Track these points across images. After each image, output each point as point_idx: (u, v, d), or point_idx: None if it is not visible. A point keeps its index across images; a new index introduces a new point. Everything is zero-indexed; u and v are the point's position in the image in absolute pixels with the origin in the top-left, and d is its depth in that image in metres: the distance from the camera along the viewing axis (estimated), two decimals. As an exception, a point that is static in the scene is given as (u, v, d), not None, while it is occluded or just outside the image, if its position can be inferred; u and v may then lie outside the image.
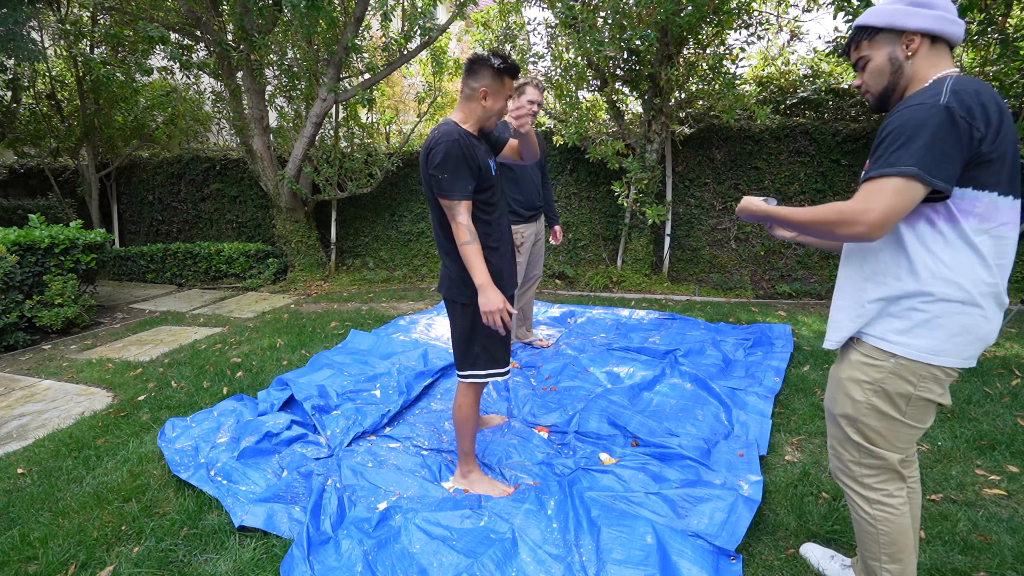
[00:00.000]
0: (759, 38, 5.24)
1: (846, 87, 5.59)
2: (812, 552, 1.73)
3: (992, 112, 1.12)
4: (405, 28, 5.91)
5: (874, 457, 1.33)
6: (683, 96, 5.34)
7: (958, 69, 1.25)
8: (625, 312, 4.46)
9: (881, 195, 1.13)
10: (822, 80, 5.76)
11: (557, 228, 3.65)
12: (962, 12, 3.98)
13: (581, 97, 5.74)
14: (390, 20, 5.92)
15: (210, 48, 6.03)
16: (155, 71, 6.89)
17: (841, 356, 1.41)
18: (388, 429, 2.67)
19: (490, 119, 1.95)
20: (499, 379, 2.10)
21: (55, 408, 3.09)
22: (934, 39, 1.22)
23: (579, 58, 5.23)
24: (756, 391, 2.82)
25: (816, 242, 1.61)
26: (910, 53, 1.23)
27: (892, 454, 1.31)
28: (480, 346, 2.01)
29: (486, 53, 1.87)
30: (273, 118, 6.80)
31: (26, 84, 7.33)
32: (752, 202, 1.47)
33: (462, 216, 1.83)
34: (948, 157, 1.10)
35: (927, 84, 1.21)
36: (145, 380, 3.42)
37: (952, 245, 1.18)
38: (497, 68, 1.85)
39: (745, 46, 5.21)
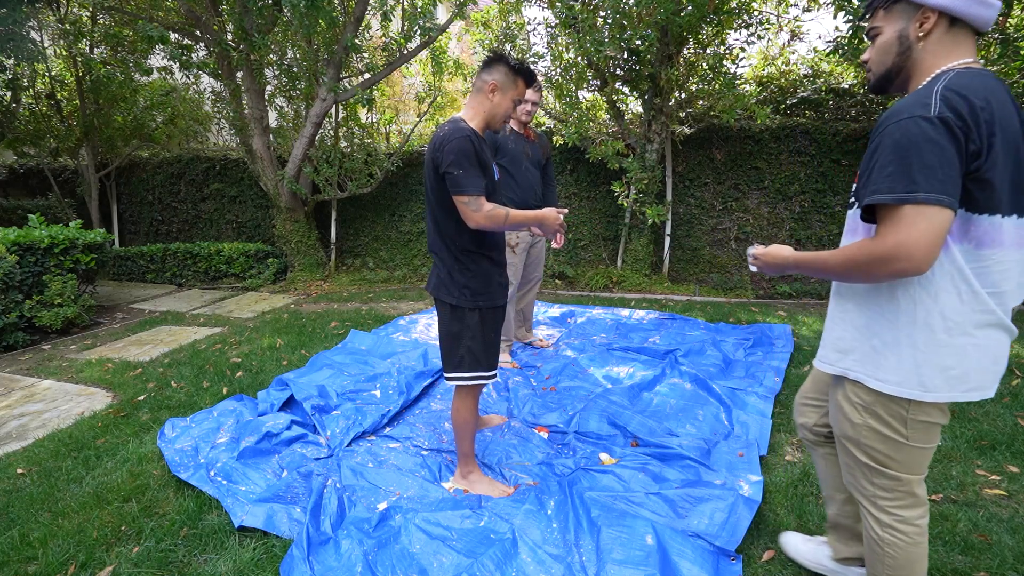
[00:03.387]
0: (759, 38, 5.24)
1: (846, 87, 5.59)
2: (789, 540, 1.73)
3: (982, 115, 0.98)
4: (405, 28, 5.91)
5: (887, 478, 1.22)
6: (683, 96, 5.34)
7: (973, 60, 1.08)
8: (625, 312, 4.46)
9: (911, 223, 0.99)
10: (822, 80, 5.76)
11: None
12: (962, 12, 3.98)
13: (581, 97, 5.75)
14: (390, 20, 5.93)
15: (210, 48, 6.02)
16: (155, 71, 6.89)
17: (834, 376, 1.30)
18: (388, 429, 2.66)
19: (495, 118, 1.92)
20: (485, 382, 2.06)
21: (55, 408, 3.09)
22: (953, 21, 1.06)
23: (579, 58, 5.23)
24: (756, 391, 2.82)
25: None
26: (922, 33, 1.08)
27: (907, 475, 1.21)
28: (464, 348, 1.98)
29: (507, 52, 1.88)
30: (273, 118, 6.80)
31: (26, 84, 7.33)
32: (776, 253, 1.28)
33: (486, 207, 1.78)
34: (949, 177, 0.98)
35: (928, 79, 1.07)
36: (145, 380, 3.42)
37: (936, 275, 1.08)
38: (512, 66, 1.87)
39: (745, 46, 5.21)
